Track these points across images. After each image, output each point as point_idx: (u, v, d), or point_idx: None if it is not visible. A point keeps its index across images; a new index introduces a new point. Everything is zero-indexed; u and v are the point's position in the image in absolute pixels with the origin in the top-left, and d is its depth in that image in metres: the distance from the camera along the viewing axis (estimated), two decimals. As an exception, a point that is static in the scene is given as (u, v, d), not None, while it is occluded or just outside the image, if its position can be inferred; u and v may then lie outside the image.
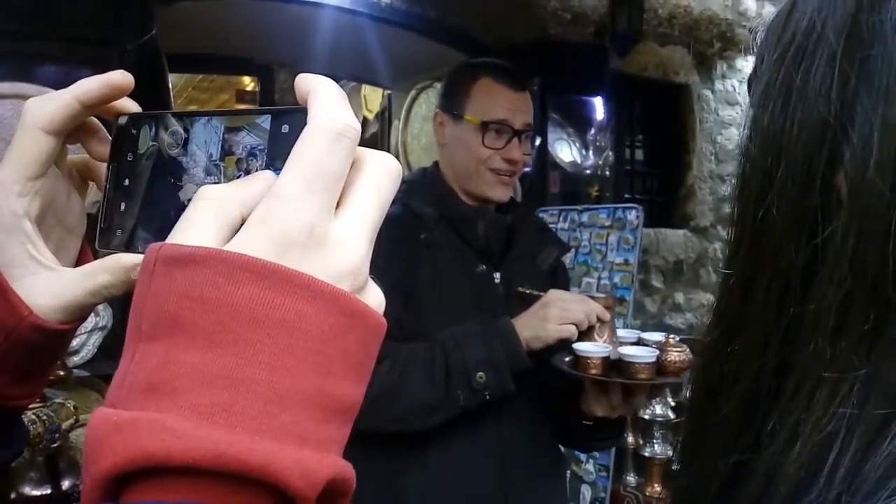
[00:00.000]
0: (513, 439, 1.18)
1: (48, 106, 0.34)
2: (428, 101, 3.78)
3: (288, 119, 0.29)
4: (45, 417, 1.30)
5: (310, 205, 0.26)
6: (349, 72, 4.16)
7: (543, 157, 3.08)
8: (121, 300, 0.34)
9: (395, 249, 1.18)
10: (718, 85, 3.97)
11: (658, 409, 2.33)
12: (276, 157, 0.29)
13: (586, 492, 2.35)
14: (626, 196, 3.23)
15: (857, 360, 0.29)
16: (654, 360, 1.04)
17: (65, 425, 1.36)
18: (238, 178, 0.30)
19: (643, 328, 1.68)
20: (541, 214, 2.60)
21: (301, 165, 0.26)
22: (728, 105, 4.03)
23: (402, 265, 1.17)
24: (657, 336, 1.13)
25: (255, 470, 0.22)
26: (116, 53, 2.16)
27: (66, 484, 1.38)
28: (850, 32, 0.31)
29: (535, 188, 3.02)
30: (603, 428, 1.17)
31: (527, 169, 3.14)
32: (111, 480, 0.22)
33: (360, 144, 0.28)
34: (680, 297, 3.77)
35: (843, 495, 0.28)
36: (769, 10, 3.90)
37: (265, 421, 0.23)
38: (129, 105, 0.36)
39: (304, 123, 0.27)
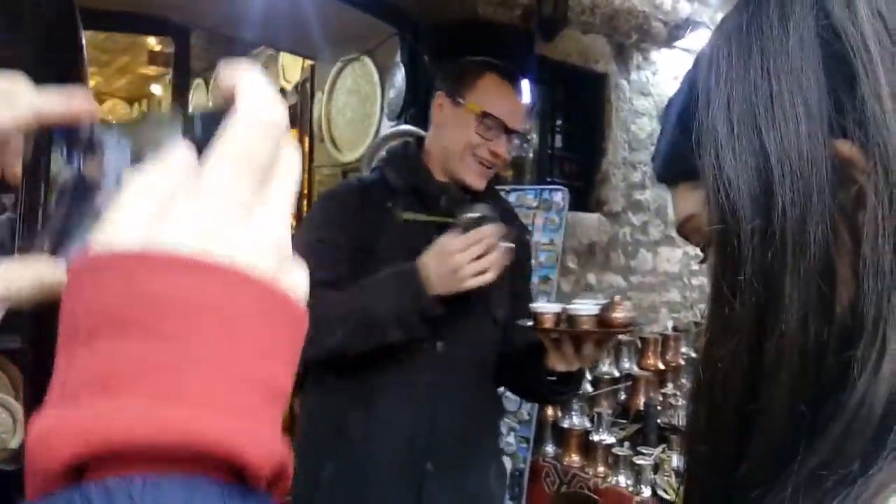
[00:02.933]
0: (443, 388, 1.31)
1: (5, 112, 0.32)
2: (354, 74, 3.70)
3: (206, 120, 0.29)
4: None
5: (236, 189, 0.26)
6: (270, 39, 4.02)
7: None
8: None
9: (364, 213, 1.30)
10: (634, 75, 4.13)
11: (577, 384, 2.44)
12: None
13: (507, 463, 2.43)
14: (548, 180, 3.32)
15: None
16: (595, 312, 1.15)
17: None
18: None
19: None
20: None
21: (229, 150, 0.26)
22: (642, 95, 4.21)
23: (367, 227, 1.28)
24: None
25: (216, 445, 0.22)
26: (28, 3, 2.00)
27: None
28: None
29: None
30: (565, 382, 1.27)
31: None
32: (66, 473, 0.22)
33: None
34: (592, 279, 3.93)
35: None
36: (683, 5, 4.09)
37: (219, 400, 0.23)
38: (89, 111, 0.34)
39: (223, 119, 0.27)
